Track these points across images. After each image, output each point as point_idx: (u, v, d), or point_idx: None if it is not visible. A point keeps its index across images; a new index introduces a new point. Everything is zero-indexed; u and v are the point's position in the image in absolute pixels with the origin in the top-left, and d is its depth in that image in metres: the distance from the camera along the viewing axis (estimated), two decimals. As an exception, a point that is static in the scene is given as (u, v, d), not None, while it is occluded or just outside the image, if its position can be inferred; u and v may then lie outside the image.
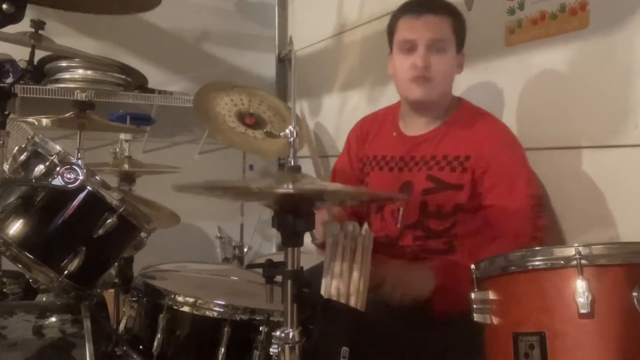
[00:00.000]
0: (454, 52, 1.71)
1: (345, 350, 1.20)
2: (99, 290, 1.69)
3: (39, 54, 2.59)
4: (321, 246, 1.67)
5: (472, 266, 1.20)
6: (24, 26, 1.55)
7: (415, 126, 1.80)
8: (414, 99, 1.74)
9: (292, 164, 1.21)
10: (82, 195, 1.52)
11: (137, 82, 3.01)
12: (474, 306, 1.18)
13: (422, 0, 1.74)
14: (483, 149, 1.66)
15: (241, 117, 2.67)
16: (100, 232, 1.52)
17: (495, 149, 1.66)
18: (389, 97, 2.09)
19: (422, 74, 1.68)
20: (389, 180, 1.81)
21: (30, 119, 2.25)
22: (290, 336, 1.14)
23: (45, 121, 2.10)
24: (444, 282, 1.53)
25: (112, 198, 1.55)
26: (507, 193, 1.63)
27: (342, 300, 1.30)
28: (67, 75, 2.77)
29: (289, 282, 1.16)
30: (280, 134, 1.24)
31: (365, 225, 1.42)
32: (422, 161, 1.75)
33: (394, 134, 1.86)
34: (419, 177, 1.74)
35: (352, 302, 1.30)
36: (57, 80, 2.77)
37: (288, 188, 1.08)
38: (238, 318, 1.51)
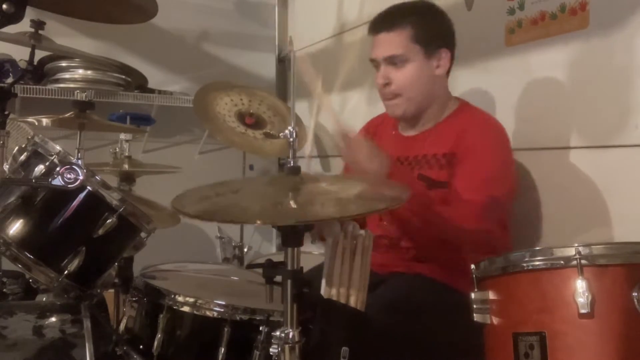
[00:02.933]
0: (419, 60, 1.71)
1: (345, 350, 1.20)
2: (99, 290, 1.69)
3: (39, 54, 2.59)
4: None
5: (472, 266, 1.21)
6: (24, 26, 1.55)
7: (412, 127, 1.83)
8: (393, 116, 1.81)
9: (292, 164, 1.22)
10: (82, 195, 1.52)
11: (137, 82, 3.01)
12: (474, 306, 1.18)
13: (380, 17, 1.78)
14: (463, 141, 1.67)
15: (241, 117, 2.67)
16: (100, 232, 1.52)
17: (474, 143, 1.66)
18: (389, 97, 2.08)
19: (386, 90, 1.74)
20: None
21: (30, 119, 2.25)
22: (290, 336, 1.14)
23: (45, 121, 2.10)
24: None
25: (112, 198, 1.55)
26: (467, 178, 1.62)
27: (342, 300, 1.30)
28: (67, 75, 2.77)
29: (289, 282, 1.16)
30: (280, 135, 1.24)
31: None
32: (414, 160, 1.77)
33: (393, 132, 1.88)
34: (405, 173, 1.75)
35: (352, 302, 1.30)
36: (57, 80, 2.77)
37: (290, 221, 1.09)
38: (238, 318, 1.51)
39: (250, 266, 1.41)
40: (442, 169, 1.69)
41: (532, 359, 1.06)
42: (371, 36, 1.78)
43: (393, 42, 1.71)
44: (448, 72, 1.79)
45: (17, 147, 1.58)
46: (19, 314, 1.57)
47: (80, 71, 2.80)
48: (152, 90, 3.06)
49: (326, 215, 1.19)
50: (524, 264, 1.12)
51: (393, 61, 1.72)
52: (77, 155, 1.94)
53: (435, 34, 1.74)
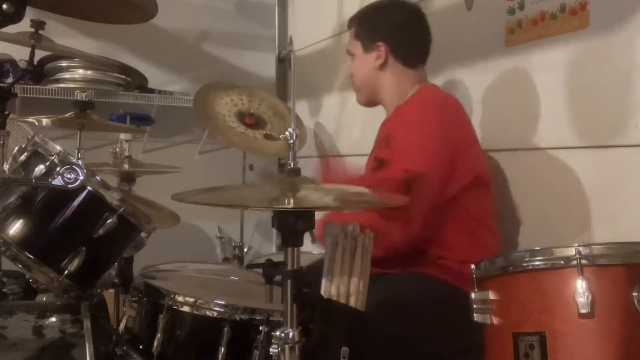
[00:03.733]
0: (359, 54, 1.90)
1: (345, 350, 1.20)
2: (99, 290, 1.69)
3: (39, 54, 2.59)
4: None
5: (472, 266, 1.21)
6: (24, 26, 1.55)
7: (387, 113, 1.93)
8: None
9: (292, 166, 1.22)
10: (82, 195, 1.51)
11: (137, 82, 3.01)
12: (474, 306, 1.18)
13: None
14: (397, 120, 1.78)
15: (241, 117, 2.67)
16: (100, 232, 1.52)
17: (402, 120, 1.76)
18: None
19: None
20: (369, 164, 1.94)
21: (30, 119, 2.25)
22: (290, 336, 1.14)
23: (45, 121, 2.10)
24: None
25: (112, 198, 1.55)
26: (392, 154, 1.71)
27: (342, 300, 1.30)
28: (67, 75, 2.77)
29: (289, 282, 1.16)
30: (280, 137, 1.24)
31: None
32: (377, 144, 1.90)
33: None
34: (371, 159, 1.88)
35: (352, 302, 1.30)
36: (57, 80, 2.77)
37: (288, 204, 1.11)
38: (238, 318, 1.51)
39: (250, 266, 1.41)
40: (387, 147, 1.78)
41: (532, 359, 1.06)
42: None
43: (349, 38, 1.95)
44: (410, 64, 1.86)
45: (17, 147, 1.58)
46: (19, 314, 1.57)
47: (80, 71, 2.80)
48: (152, 90, 3.05)
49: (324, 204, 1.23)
50: (524, 264, 1.12)
51: (349, 54, 1.94)
52: (77, 155, 1.94)
53: (370, 29, 1.88)
